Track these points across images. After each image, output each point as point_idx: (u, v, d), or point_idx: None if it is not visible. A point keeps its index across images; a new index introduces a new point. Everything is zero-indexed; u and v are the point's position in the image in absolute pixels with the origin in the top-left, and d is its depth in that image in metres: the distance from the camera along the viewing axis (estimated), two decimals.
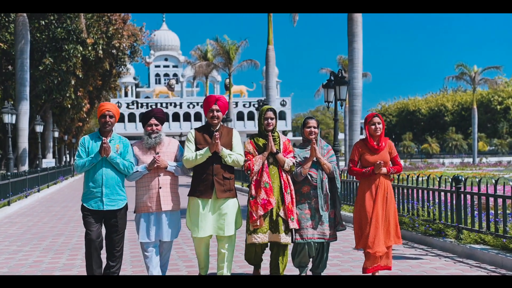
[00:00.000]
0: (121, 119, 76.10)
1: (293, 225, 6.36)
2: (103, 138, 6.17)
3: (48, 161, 36.31)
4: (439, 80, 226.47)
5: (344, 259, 8.28)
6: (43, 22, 32.64)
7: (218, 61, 50.44)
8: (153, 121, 6.42)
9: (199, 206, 6.23)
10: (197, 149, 6.33)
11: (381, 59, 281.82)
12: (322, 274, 6.75)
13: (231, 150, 6.39)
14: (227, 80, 77.27)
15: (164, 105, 77.53)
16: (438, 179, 9.51)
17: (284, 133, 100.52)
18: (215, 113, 6.37)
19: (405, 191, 10.54)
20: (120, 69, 44.17)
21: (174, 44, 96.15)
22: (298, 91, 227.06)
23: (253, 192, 6.37)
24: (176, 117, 78.01)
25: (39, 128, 32.12)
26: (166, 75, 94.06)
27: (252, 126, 77.86)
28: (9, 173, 18.26)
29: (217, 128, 6.42)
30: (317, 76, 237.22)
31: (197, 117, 78.13)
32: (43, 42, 33.05)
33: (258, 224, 6.29)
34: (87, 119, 53.71)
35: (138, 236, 6.36)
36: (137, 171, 6.34)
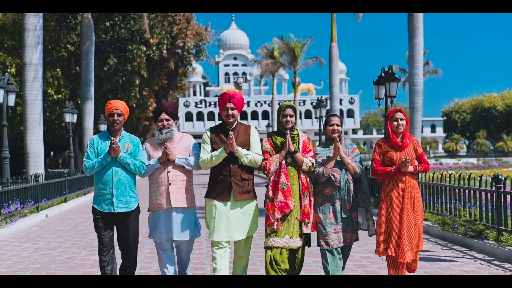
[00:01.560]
0: (190, 117, 77.07)
1: (307, 229, 6.00)
2: (112, 138, 5.97)
3: None
4: None
5: (374, 259, 7.91)
6: (108, 24, 33.32)
7: (284, 59, 50.36)
8: (164, 116, 6.21)
9: (216, 208, 5.97)
10: (213, 149, 6.06)
11: (455, 55, 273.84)
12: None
13: (248, 149, 6.09)
14: (296, 78, 77.27)
15: None
16: (479, 178, 8.97)
17: (354, 131, 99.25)
18: (230, 112, 6.06)
19: (447, 190, 10.07)
20: (186, 68, 44.62)
21: (243, 43, 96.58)
22: (367, 89, 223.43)
23: (270, 193, 6.03)
24: (243, 116, 78.31)
25: (103, 127, 32.76)
26: (235, 74, 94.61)
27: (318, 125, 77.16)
28: (66, 171, 18.68)
29: (233, 126, 6.13)
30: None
31: (265, 115, 78.11)
32: (108, 43, 33.74)
33: (275, 227, 5.96)
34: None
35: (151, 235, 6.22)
36: (149, 164, 6.16)
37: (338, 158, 6.14)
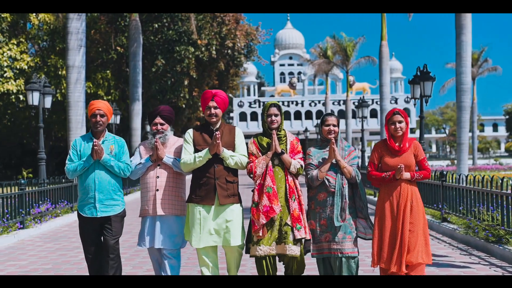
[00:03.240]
0: (243, 118, 77.25)
1: (300, 234, 5.66)
2: (94, 140, 5.79)
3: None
4: None
5: None
6: (157, 25, 33.70)
7: (337, 59, 49.98)
8: (158, 119, 5.99)
9: (200, 213, 5.69)
10: (196, 150, 5.78)
11: None
12: None
13: (233, 150, 5.80)
14: (350, 78, 76.33)
15: (285, 103, 77.73)
16: (500, 181, 8.55)
17: (412, 130, 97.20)
18: (213, 111, 5.80)
19: (470, 193, 9.72)
20: (237, 69, 44.69)
21: (298, 42, 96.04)
22: None
23: (256, 198, 5.73)
24: (297, 116, 77.92)
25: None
26: (290, 73, 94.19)
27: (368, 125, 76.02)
28: None
29: (217, 126, 5.85)
30: (443, 71, 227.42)
31: (319, 115, 77.47)
32: (156, 44, 34.14)
33: (261, 234, 5.66)
34: None
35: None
36: (140, 163, 5.98)
37: (334, 161, 5.80)
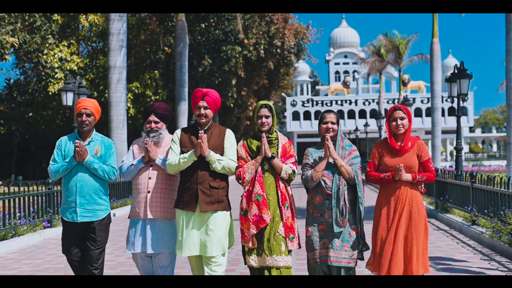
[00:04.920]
0: (297, 117, 76.87)
1: (292, 245, 5.40)
2: (76, 140, 5.54)
3: None
4: None
5: None
6: (203, 25, 33.87)
7: (390, 57, 49.19)
8: (153, 117, 5.68)
9: (183, 220, 5.42)
10: (182, 152, 5.49)
11: None
12: None
13: (222, 154, 5.47)
14: (405, 76, 74.91)
15: (339, 102, 76.96)
16: None
17: (471, 129, 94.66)
18: (202, 111, 5.46)
19: (497, 195, 9.33)
20: (288, 68, 44.46)
21: (353, 41, 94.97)
22: (482, 85, 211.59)
23: (244, 205, 5.43)
24: (351, 115, 76.96)
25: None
26: (345, 72, 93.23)
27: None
28: None
29: (206, 127, 5.54)
30: (503, 69, 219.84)
31: (373, 114, 76.35)
32: (203, 44, 34.32)
33: (251, 244, 5.39)
34: None
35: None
36: (132, 164, 5.69)
37: (331, 161, 5.42)
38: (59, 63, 30.68)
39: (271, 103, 5.62)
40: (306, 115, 77.33)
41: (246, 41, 34.38)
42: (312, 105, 77.31)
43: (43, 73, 30.78)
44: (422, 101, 74.90)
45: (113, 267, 8.18)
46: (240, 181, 5.50)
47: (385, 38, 47.56)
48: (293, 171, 5.52)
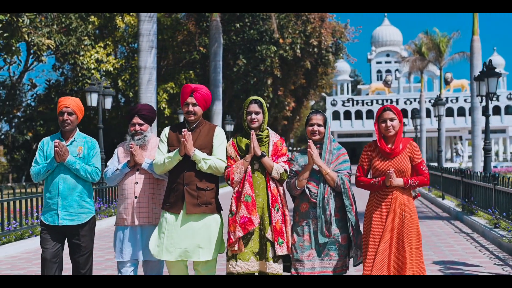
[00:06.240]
0: (337, 116, 76.22)
1: (281, 250, 5.08)
2: (56, 140, 5.32)
3: None
4: None
5: None
6: (238, 25, 33.84)
7: (431, 55, 48.39)
8: (136, 119, 5.45)
9: (166, 221, 5.17)
10: (170, 151, 5.26)
11: None
12: None
13: (210, 153, 5.22)
14: (448, 74, 73.52)
15: (379, 101, 76.01)
16: None
17: None
18: (191, 108, 5.21)
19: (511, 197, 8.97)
20: (326, 67, 44.04)
21: (396, 39, 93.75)
22: None
23: (233, 207, 5.15)
24: None
25: (228, 127, 33.32)
26: (387, 71, 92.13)
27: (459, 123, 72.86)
28: None
29: (195, 125, 5.30)
30: None
31: (414, 113, 75.30)
32: (238, 44, 34.28)
33: (237, 248, 5.08)
34: (298, 117, 54.45)
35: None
36: (118, 169, 5.47)
37: (316, 167, 5.16)
38: (95, 64, 31.06)
39: (261, 98, 5.35)
40: (346, 115, 76.64)
41: (281, 40, 34.22)
42: (353, 105, 76.59)
43: (80, 74, 31.21)
44: (465, 100, 73.26)
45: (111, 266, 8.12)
46: (229, 182, 5.25)
47: (426, 36, 46.87)
48: (285, 170, 5.24)
